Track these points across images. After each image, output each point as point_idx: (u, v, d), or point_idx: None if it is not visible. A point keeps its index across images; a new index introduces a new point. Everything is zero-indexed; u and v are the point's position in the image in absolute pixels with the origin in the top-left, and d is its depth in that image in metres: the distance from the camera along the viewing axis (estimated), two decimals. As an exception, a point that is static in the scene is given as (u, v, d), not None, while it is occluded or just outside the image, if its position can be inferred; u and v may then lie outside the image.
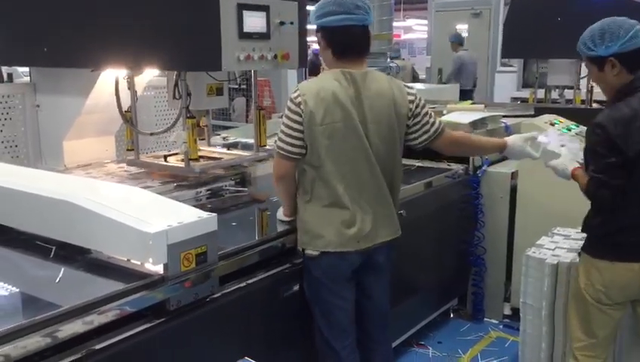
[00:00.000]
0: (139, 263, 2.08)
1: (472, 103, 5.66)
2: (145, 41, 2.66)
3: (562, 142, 2.81)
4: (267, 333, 2.45)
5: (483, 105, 5.01)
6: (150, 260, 1.98)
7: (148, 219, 2.01)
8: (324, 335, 2.59)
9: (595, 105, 5.43)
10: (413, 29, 18.57)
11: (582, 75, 5.56)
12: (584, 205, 2.59)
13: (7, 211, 2.39)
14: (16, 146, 3.28)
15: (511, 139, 2.82)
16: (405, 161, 3.15)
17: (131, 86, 3.07)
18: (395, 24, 6.91)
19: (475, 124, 4.02)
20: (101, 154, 3.44)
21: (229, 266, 2.30)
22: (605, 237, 2.56)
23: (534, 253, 3.14)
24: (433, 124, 2.63)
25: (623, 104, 2.46)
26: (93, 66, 2.95)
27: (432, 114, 2.65)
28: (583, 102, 5.60)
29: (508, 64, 9.81)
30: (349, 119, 2.42)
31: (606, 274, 2.54)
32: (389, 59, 6.67)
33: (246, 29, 2.64)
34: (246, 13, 2.63)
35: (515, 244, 3.94)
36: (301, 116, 2.40)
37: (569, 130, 3.74)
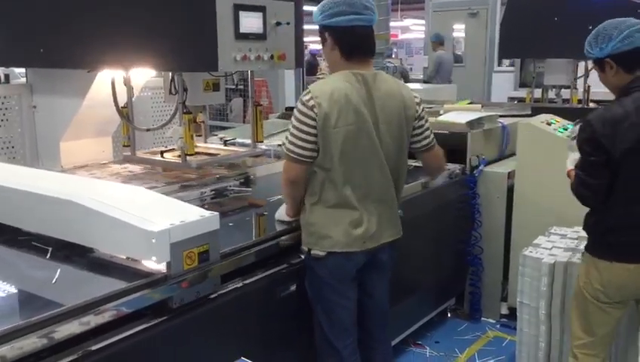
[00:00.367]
0: (141, 262, 2.08)
1: (469, 103, 5.66)
2: (141, 42, 2.66)
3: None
4: (264, 333, 2.44)
5: (480, 105, 5.01)
6: (153, 258, 1.99)
7: (151, 218, 2.01)
8: (325, 334, 2.58)
9: (592, 105, 5.44)
10: (410, 28, 18.56)
11: (579, 75, 5.58)
12: (580, 205, 2.59)
13: (12, 211, 2.39)
14: (12, 147, 3.28)
15: None
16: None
17: (127, 82, 3.07)
18: (392, 24, 6.91)
19: (471, 124, 4.03)
20: (98, 155, 3.44)
21: (228, 266, 2.30)
22: (600, 236, 2.57)
23: (531, 252, 3.15)
24: (430, 133, 2.66)
25: (617, 104, 2.47)
26: (90, 67, 2.96)
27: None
28: (579, 101, 5.62)
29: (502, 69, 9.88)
30: (362, 121, 2.41)
31: (604, 273, 2.55)
32: (385, 59, 6.69)
33: (242, 30, 2.64)
34: (242, 14, 2.63)
35: (512, 244, 3.94)
36: (314, 120, 2.37)
37: (565, 129, 3.75)
